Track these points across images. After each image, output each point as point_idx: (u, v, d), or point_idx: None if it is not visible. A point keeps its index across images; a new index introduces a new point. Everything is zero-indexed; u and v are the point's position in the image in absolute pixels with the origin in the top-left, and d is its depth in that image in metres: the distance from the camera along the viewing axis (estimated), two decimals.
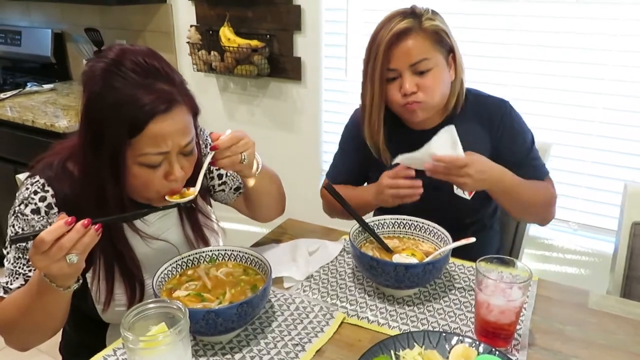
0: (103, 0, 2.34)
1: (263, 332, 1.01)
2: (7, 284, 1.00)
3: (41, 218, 0.99)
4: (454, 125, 1.19)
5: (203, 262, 1.10)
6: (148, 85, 0.90)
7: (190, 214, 1.17)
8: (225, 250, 1.11)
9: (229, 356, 0.95)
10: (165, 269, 1.03)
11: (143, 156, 0.93)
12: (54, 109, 2.49)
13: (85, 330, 1.02)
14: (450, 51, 1.27)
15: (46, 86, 2.84)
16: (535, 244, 1.94)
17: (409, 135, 1.35)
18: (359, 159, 1.45)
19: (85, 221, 0.84)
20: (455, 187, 1.30)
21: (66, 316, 1.00)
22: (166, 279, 1.03)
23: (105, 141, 0.91)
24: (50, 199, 1.00)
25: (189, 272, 1.07)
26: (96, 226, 0.85)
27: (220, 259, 1.11)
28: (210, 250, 1.11)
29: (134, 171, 0.95)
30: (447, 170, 1.16)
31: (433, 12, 1.26)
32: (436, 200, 1.30)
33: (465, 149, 1.27)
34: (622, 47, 1.65)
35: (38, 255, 0.82)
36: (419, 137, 1.33)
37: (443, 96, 1.28)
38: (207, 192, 1.27)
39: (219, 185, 1.28)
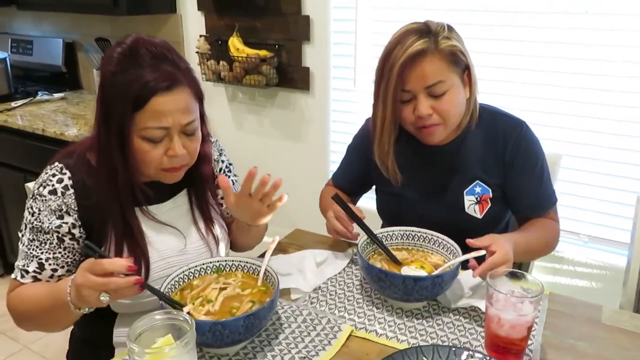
0: (113, 11, 2.36)
1: (270, 345, 0.99)
2: (24, 266, 1.06)
3: (57, 198, 1.04)
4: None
5: (210, 272, 1.09)
6: (154, 66, 0.98)
7: (201, 205, 1.19)
8: (233, 260, 1.11)
9: None
10: (172, 279, 1.02)
11: (145, 130, 0.99)
12: (64, 117, 2.51)
13: (91, 325, 1.04)
14: (465, 69, 1.22)
15: (57, 95, 2.86)
16: (545, 257, 1.92)
17: (424, 153, 1.34)
18: (363, 169, 1.44)
19: (138, 279, 0.90)
20: (466, 206, 1.29)
21: (77, 318, 1.03)
22: (173, 290, 1.02)
23: (113, 116, 0.99)
24: (67, 181, 1.05)
25: (195, 282, 1.06)
26: (138, 284, 0.90)
27: (227, 269, 1.10)
28: (217, 261, 1.10)
29: (137, 145, 1.01)
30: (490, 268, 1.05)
31: (449, 28, 1.19)
32: (446, 217, 1.29)
33: (476, 167, 1.28)
34: (634, 59, 1.63)
35: (85, 272, 0.88)
36: (432, 153, 1.32)
37: (459, 116, 1.25)
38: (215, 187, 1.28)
39: (221, 198, 1.28)
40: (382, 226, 1.48)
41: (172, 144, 1.01)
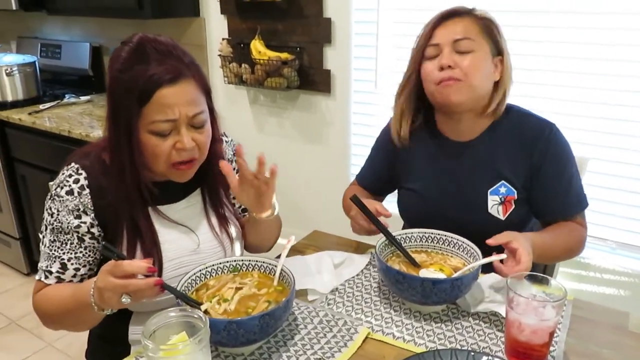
0: (139, 15, 2.40)
1: (285, 345, 0.99)
2: (47, 267, 1.07)
3: (74, 198, 1.06)
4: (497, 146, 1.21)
5: (227, 271, 1.09)
6: (159, 61, 0.99)
7: (215, 204, 1.20)
8: (249, 260, 1.10)
9: None
10: (189, 278, 1.02)
11: (153, 124, 1.00)
12: (89, 119, 2.56)
13: (108, 323, 1.05)
14: (499, 52, 1.25)
15: (83, 98, 2.92)
16: (570, 263, 1.87)
17: (447, 148, 1.32)
18: (387, 167, 1.43)
19: (158, 280, 0.90)
20: (489, 206, 1.27)
21: (101, 319, 1.05)
22: (189, 289, 1.02)
23: (121, 113, 1.01)
24: (83, 181, 1.06)
25: (211, 282, 1.06)
26: (158, 285, 0.91)
27: (244, 269, 1.10)
28: (234, 260, 1.10)
29: (145, 140, 1.01)
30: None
31: (491, 16, 1.26)
32: (468, 217, 1.27)
33: (503, 166, 1.26)
34: None
35: (107, 274, 0.90)
36: (457, 148, 1.30)
37: (479, 84, 1.22)
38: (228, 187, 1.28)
39: (233, 198, 1.28)
40: (403, 227, 1.46)
41: (180, 136, 1.02)
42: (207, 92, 1.08)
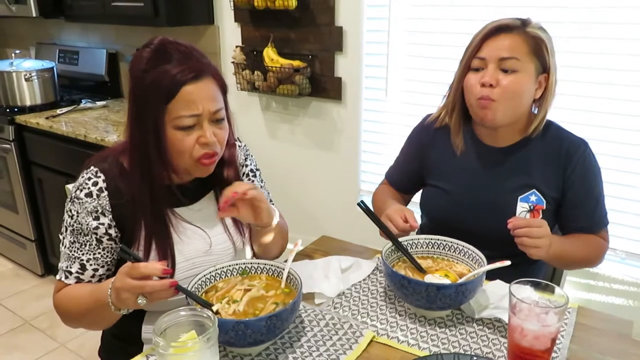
0: (155, 22, 2.45)
1: (292, 347, 1.01)
2: (67, 267, 1.11)
3: (93, 200, 1.09)
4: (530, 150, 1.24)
5: (236, 274, 1.12)
6: (180, 60, 1.04)
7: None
8: (258, 263, 1.13)
9: None
10: (199, 279, 1.05)
11: (178, 119, 1.04)
12: (105, 124, 2.61)
13: (121, 322, 1.08)
14: (545, 70, 1.24)
15: (99, 103, 2.97)
16: (579, 272, 1.87)
17: (482, 152, 1.35)
18: (417, 164, 1.46)
19: (173, 282, 0.93)
20: (518, 212, 1.29)
21: (118, 318, 1.07)
22: (198, 291, 1.05)
23: (147, 112, 1.05)
24: (101, 184, 1.10)
25: (220, 284, 1.09)
26: (173, 287, 0.94)
27: (252, 272, 1.13)
28: (243, 263, 1.13)
29: (171, 136, 1.06)
30: (527, 225, 1.12)
31: (545, 29, 1.24)
32: (495, 222, 1.27)
33: (537, 178, 1.29)
34: None
35: (124, 276, 0.93)
36: (492, 155, 1.32)
37: (518, 106, 1.24)
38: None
39: None
40: (421, 225, 1.49)
41: (203, 131, 1.06)
42: (224, 91, 1.12)
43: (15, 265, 3.13)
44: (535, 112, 1.30)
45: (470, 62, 1.25)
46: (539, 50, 1.21)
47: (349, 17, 2.14)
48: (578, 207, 1.29)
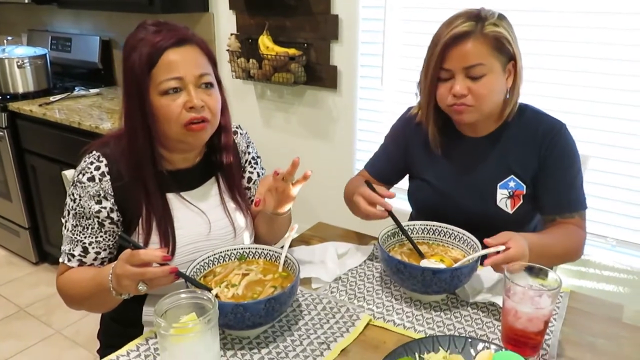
0: (149, 9, 2.43)
1: (290, 330, 1.02)
2: (69, 250, 1.12)
3: (95, 184, 1.11)
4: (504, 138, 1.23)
5: (233, 259, 1.13)
6: (162, 31, 1.08)
7: (229, 191, 1.25)
8: (256, 248, 1.14)
9: (255, 351, 0.97)
10: (197, 264, 1.06)
11: (161, 84, 1.06)
12: (99, 112, 2.60)
13: (121, 306, 1.10)
14: (511, 58, 1.23)
15: (92, 90, 2.96)
16: None
17: (462, 143, 1.36)
18: (399, 156, 1.47)
19: (173, 268, 0.94)
20: (498, 199, 1.30)
21: (119, 302, 1.08)
22: (196, 276, 1.05)
23: (133, 83, 1.07)
24: (103, 168, 1.12)
25: (218, 269, 1.10)
26: (173, 273, 0.95)
27: (250, 256, 1.14)
28: (241, 248, 1.14)
29: (157, 102, 1.07)
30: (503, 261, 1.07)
31: (500, 16, 1.22)
32: (477, 208, 1.30)
33: (513, 161, 1.30)
34: None
35: (124, 263, 0.94)
36: (472, 145, 1.34)
37: (494, 104, 1.26)
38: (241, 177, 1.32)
39: (245, 189, 1.32)
40: (411, 216, 1.51)
41: (189, 96, 1.07)
42: (212, 61, 1.14)
43: (9, 252, 3.12)
44: (508, 97, 1.29)
45: (437, 74, 1.24)
46: (501, 47, 1.20)
47: (345, 5, 2.14)
48: (551, 184, 1.29)
